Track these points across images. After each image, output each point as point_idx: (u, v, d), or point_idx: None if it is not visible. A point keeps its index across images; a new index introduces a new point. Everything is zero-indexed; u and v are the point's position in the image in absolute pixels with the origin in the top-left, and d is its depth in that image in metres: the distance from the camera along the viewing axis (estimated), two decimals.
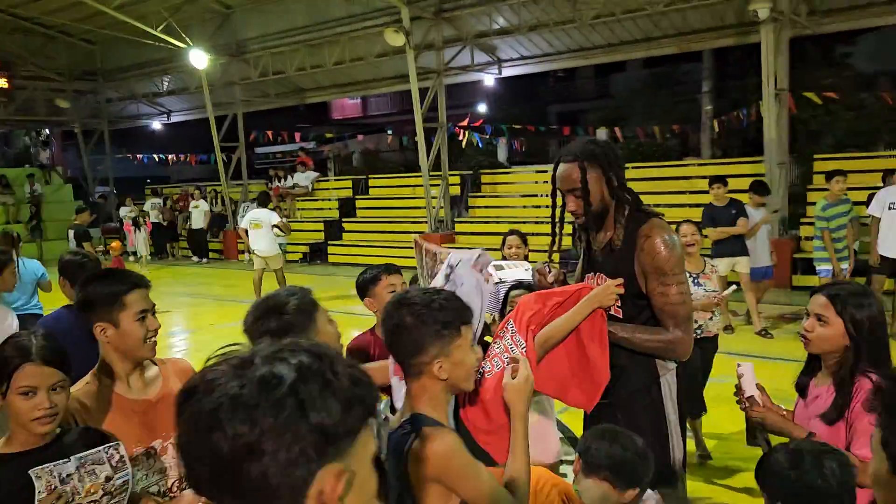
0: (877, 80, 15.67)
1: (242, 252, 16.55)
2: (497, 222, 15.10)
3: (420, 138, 14.38)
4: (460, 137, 16.68)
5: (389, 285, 3.27)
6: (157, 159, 24.72)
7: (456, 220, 15.60)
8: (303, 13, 15.82)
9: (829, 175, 8.07)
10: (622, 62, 20.07)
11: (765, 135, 10.88)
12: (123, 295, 2.13)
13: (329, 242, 16.89)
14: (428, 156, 14.49)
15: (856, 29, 13.05)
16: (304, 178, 18.90)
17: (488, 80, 16.64)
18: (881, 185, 8.59)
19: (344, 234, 17.28)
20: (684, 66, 19.24)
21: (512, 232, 4.64)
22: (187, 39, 16.01)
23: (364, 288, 3.35)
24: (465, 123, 17.18)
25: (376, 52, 15.24)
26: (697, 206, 10.09)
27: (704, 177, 12.98)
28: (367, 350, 3.17)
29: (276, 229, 10.65)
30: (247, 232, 10.73)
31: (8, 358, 1.90)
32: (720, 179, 8.55)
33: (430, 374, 1.74)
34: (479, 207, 16.02)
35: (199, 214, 17.99)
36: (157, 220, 18.64)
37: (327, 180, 19.50)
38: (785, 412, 2.46)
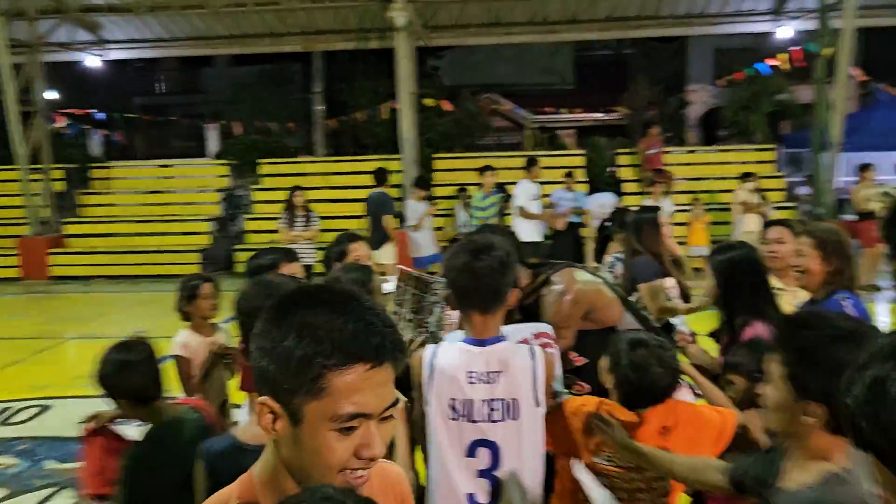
0: (458, 90, 18.27)
1: None
2: (115, 222, 13.55)
3: (14, 125, 12.06)
4: (58, 125, 14.39)
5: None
6: None
7: (63, 220, 13.46)
8: None
9: (482, 170, 9.29)
10: (211, 56, 20.13)
11: (401, 134, 11.93)
12: None
13: None
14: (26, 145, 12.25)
15: (454, 45, 15.11)
16: None
17: (93, 61, 14.71)
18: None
19: None
20: (293, 66, 19.69)
21: (352, 237, 3.43)
22: None
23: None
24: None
25: None
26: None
27: (325, 173, 13.73)
28: None
29: None
30: None
31: None
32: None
33: None
34: (92, 206, 14.06)
35: None
36: None
37: None
38: None
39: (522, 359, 2.11)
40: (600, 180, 13.38)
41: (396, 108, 12.30)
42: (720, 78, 18.42)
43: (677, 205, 10.41)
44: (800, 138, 16.17)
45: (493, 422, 2.10)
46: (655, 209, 4.48)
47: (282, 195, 12.61)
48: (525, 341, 2.38)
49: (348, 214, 11.67)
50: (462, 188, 10.89)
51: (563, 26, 13.72)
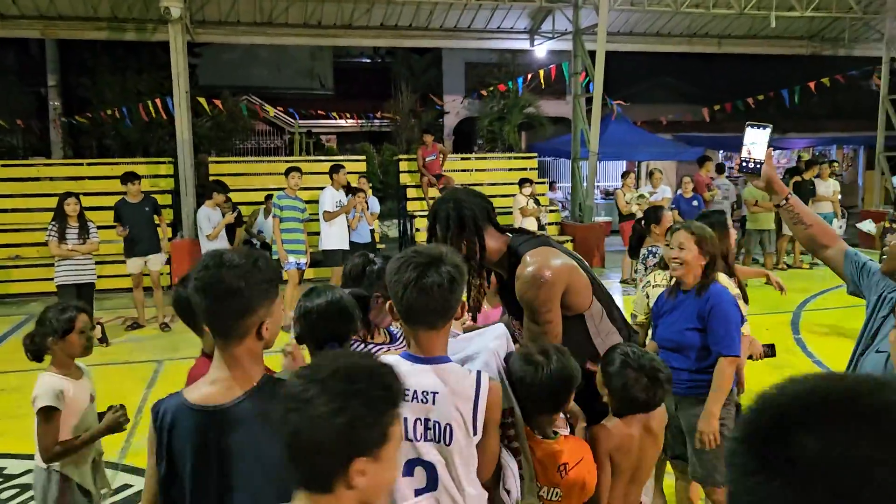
0: (215, 91, 17.25)
1: None
2: None
3: None
4: None
5: None
6: None
7: None
8: None
9: (287, 171, 8.87)
10: None
11: (178, 135, 10.95)
12: None
13: None
14: None
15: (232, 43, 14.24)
16: None
17: None
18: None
19: None
20: (19, 55, 17.01)
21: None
22: None
23: None
24: None
25: None
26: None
27: (65, 178, 12.03)
28: None
29: None
30: None
31: None
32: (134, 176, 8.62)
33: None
34: None
35: None
36: None
37: None
38: None
39: (465, 387, 2.02)
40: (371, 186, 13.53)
41: (171, 107, 11.25)
42: (472, 90, 19.72)
43: None
44: (546, 148, 17.90)
45: (428, 441, 2.03)
46: (722, 213, 4.61)
47: (9, 203, 10.93)
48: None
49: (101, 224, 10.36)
50: (270, 195, 10.41)
51: (339, 31, 13.64)
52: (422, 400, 2.00)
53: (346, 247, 9.14)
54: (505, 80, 17.45)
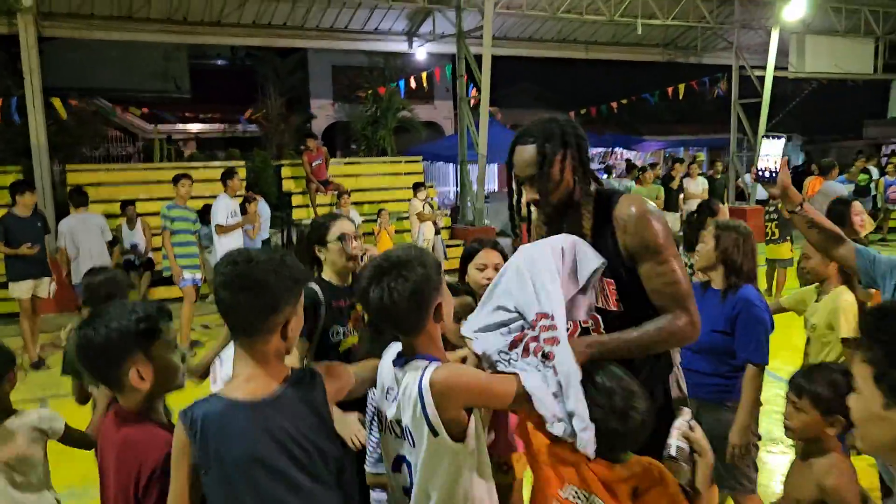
0: (55, 92, 15.55)
1: None
2: None
3: None
4: None
5: None
6: None
7: None
8: None
9: (175, 179, 8.03)
10: None
11: (32, 140, 9.67)
12: None
13: None
14: None
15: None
16: None
17: None
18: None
19: None
20: None
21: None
22: None
23: None
24: None
25: None
26: None
27: None
28: None
29: None
30: None
31: None
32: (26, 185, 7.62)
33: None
34: None
35: None
36: None
37: None
38: None
39: (410, 385, 1.83)
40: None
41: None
42: (341, 94, 19.22)
43: (366, 215, 10.47)
44: (419, 152, 17.76)
45: (400, 438, 1.92)
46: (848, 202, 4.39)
47: None
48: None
49: None
50: (127, 203, 9.40)
51: (207, 28, 12.69)
52: (392, 398, 1.92)
53: None
54: (377, 84, 17.13)
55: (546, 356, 1.90)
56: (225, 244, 8.14)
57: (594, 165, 18.46)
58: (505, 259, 3.03)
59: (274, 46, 15.01)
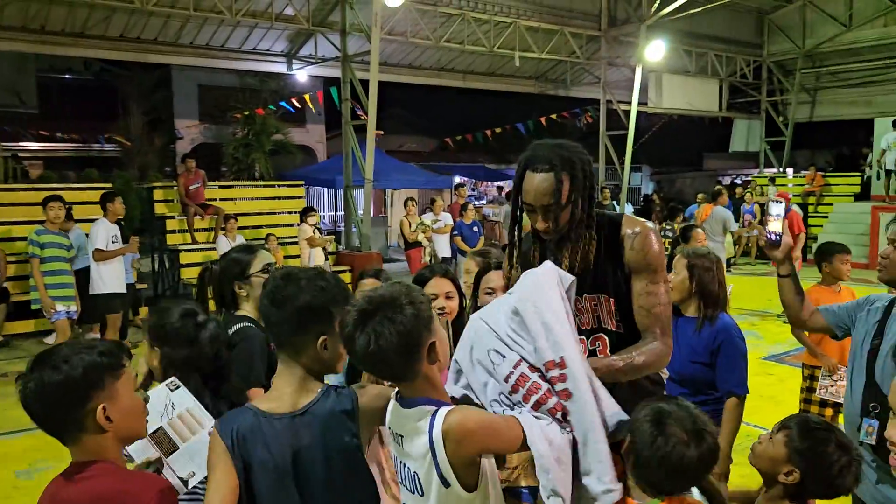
0: None
1: None
2: None
3: None
4: None
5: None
6: None
7: None
8: None
9: (45, 202, 7.25)
10: None
11: None
12: None
13: None
14: None
15: None
16: None
17: None
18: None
19: None
20: None
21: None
22: None
23: None
24: None
25: None
26: None
27: None
28: None
29: None
30: None
31: None
32: None
33: None
34: None
35: None
36: None
37: None
38: None
39: (420, 432, 1.68)
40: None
41: None
42: (207, 114, 18.41)
43: (250, 240, 9.95)
44: (294, 176, 17.29)
45: (403, 485, 1.80)
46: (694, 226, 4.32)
47: None
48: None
49: None
50: None
51: (69, 39, 11.71)
52: (398, 442, 1.77)
53: (124, 290, 7.76)
54: (250, 105, 16.55)
55: (564, 416, 1.77)
56: (104, 272, 7.44)
57: (469, 192, 18.84)
58: (457, 287, 2.94)
59: (142, 62, 14.07)
